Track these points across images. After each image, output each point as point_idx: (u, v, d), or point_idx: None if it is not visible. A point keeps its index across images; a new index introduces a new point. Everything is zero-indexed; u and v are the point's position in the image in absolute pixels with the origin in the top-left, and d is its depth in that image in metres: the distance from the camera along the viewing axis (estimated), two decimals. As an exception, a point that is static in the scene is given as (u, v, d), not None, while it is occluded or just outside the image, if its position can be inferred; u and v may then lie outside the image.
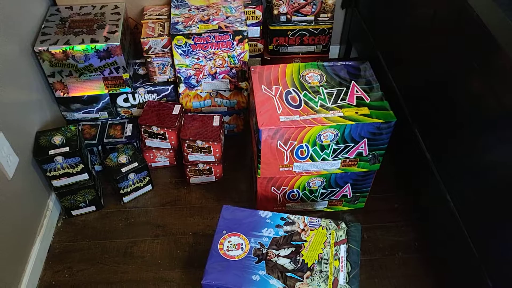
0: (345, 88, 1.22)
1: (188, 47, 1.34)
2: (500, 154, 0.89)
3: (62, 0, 1.42)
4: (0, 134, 1.05)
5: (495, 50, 0.87)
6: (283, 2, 1.57)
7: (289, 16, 1.61)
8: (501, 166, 0.89)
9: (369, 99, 1.19)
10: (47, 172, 1.22)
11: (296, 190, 1.31)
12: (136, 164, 1.34)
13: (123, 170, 1.33)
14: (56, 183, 1.26)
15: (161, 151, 1.46)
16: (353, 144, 1.18)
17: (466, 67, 0.99)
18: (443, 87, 1.11)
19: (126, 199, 1.40)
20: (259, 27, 1.60)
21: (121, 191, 1.37)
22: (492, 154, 0.92)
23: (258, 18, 1.57)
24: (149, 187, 1.44)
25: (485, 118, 0.93)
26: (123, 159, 1.35)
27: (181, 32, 1.32)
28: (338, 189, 1.32)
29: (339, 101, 1.19)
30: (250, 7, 1.53)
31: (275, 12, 1.60)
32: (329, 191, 1.32)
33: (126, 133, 1.44)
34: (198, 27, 1.34)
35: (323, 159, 1.21)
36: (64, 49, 1.26)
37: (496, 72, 0.89)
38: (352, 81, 1.25)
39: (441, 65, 1.11)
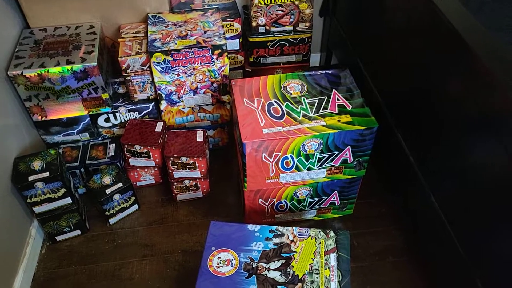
0: (326, 97, 1.23)
1: (167, 64, 1.33)
2: (480, 154, 0.90)
3: (35, 23, 1.40)
4: (-24, 164, 1.02)
5: (467, 53, 0.89)
6: (261, 14, 1.58)
7: (268, 27, 1.62)
8: (481, 166, 0.91)
9: (351, 106, 1.20)
10: (27, 199, 1.19)
11: (284, 201, 1.30)
12: (120, 184, 1.32)
13: (108, 191, 1.30)
14: (37, 209, 1.23)
15: (146, 170, 1.44)
16: (337, 152, 1.18)
17: (442, 71, 1.01)
18: (422, 91, 1.12)
19: (112, 220, 1.37)
20: (238, 39, 1.60)
21: (107, 213, 1.34)
22: (473, 155, 0.93)
23: (237, 31, 1.58)
24: (135, 207, 1.41)
25: (464, 119, 0.95)
26: (107, 180, 1.33)
27: (159, 49, 1.31)
28: (326, 197, 1.32)
29: (321, 110, 1.19)
30: (228, 20, 1.54)
31: (254, 24, 1.60)
32: (316, 199, 1.32)
33: (109, 153, 1.42)
34: (176, 43, 1.33)
35: (309, 169, 1.21)
36: (39, 72, 1.24)
37: (470, 75, 0.91)
38: (333, 89, 1.25)
39: (418, 69, 1.13)
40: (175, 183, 1.40)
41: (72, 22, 1.41)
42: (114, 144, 1.45)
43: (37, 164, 1.19)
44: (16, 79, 1.23)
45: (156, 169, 1.44)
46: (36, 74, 1.24)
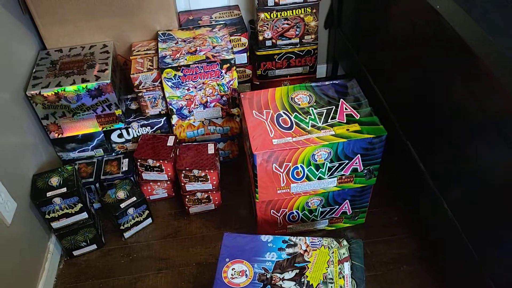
0: (334, 107, 1.25)
1: (177, 79, 1.37)
2: (489, 159, 0.91)
3: (51, 44, 1.45)
4: (-3, 181, 1.05)
5: (471, 59, 0.90)
6: (268, 28, 1.61)
7: (274, 41, 1.65)
8: (491, 170, 0.91)
9: (359, 116, 1.22)
10: (45, 214, 1.22)
11: (296, 211, 1.31)
12: (134, 198, 1.35)
13: (122, 205, 1.33)
14: (55, 224, 1.26)
15: (159, 183, 1.47)
16: (347, 161, 1.19)
17: (447, 77, 1.02)
18: (428, 98, 1.14)
19: (127, 234, 1.40)
20: (245, 53, 1.64)
21: (122, 227, 1.36)
22: (482, 159, 0.94)
23: (244, 45, 1.61)
24: (149, 220, 1.43)
25: (471, 124, 0.96)
26: (121, 194, 1.36)
27: (170, 65, 1.35)
28: (337, 206, 1.33)
29: (329, 120, 1.21)
30: (236, 35, 1.57)
31: (260, 37, 1.64)
32: (328, 209, 1.33)
33: (122, 168, 1.45)
34: (186, 59, 1.37)
35: (319, 178, 1.22)
36: (56, 91, 1.28)
37: (474, 80, 0.92)
38: (341, 99, 1.27)
39: (424, 76, 1.14)
40: (188, 196, 1.42)
41: (86, 42, 1.46)
42: (127, 159, 1.48)
43: (54, 180, 1.23)
44: (34, 98, 1.28)
45: (168, 182, 1.47)
46: (53, 93, 1.28)
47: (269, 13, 1.57)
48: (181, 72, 1.35)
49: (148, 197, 1.48)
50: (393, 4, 1.27)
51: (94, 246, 1.36)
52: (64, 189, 1.20)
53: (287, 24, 1.61)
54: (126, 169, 1.45)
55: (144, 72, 1.38)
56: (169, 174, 1.43)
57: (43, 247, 1.29)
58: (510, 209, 0.86)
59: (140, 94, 1.41)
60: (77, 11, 1.39)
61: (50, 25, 1.40)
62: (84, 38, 1.46)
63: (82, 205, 1.25)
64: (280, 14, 1.58)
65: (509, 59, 0.87)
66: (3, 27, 1.23)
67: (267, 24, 1.60)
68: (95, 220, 1.35)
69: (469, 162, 0.99)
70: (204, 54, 1.39)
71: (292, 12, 1.58)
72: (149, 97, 1.42)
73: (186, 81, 1.38)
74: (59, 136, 1.39)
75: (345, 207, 1.33)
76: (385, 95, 1.40)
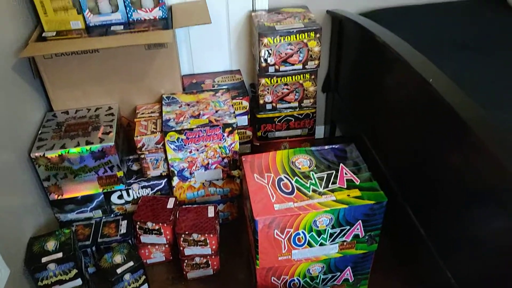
0: (334, 171, 1.27)
1: (180, 142, 1.40)
2: (488, 225, 0.91)
3: (58, 106, 1.49)
4: (-7, 247, 1.03)
5: (465, 130, 0.94)
6: (268, 92, 1.68)
7: (274, 104, 1.71)
8: (490, 237, 0.91)
9: (359, 181, 1.23)
10: (38, 281, 1.18)
11: (297, 279, 1.28)
12: (131, 263, 1.31)
13: (119, 271, 1.29)
14: (47, 291, 1.21)
15: (157, 247, 1.44)
16: (348, 227, 1.19)
17: (444, 146, 1.05)
18: (426, 164, 1.16)
19: (121, 301, 1.34)
20: (246, 116, 1.69)
21: (116, 293, 1.32)
22: (481, 226, 0.94)
23: (246, 108, 1.66)
24: (145, 286, 1.38)
25: (469, 191, 0.97)
26: (118, 259, 1.32)
27: (173, 129, 1.38)
28: (339, 273, 1.30)
29: (330, 185, 1.22)
30: (238, 99, 1.63)
31: (261, 101, 1.70)
32: (330, 276, 1.30)
33: (120, 230, 1.43)
34: (189, 123, 1.40)
35: (321, 244, 1.20)
36: (60, 153, 1.30)
37: (470, 151, 0.95)
38: (340, 164, 1.29)
39: (421, 143, 1.17)
40: (186, 261, 1.39)
41: (92, 105, 1.51)
42: (126, 221, 1.46)
43: (51, 245, 1.20)
44: (38, 160, 1.29)
45: (166, 246, 1.44)
46: (57, 155, 1.30)
47: (269, 78, 1.64)
48: (184, 135, 1.38)
49: (145, 260, 1.45)
50: (388, 74, 1.34)
51: (86, 314, 1.30)
52: (60, 254, 1.17)
53: (287, 89, 1.68)
54: (125, 231, 1.43)
55: (148, 134, 1.41)
56: (168, 237, 1.40)
57: (33, 315, 1.23)
58: (517, 283, 0.85)
59: (142, 156, 1.43)
60: (87, 77, 1.45)
61: (59, 89, 1.45)
62: (91, 101, 1.51)
63: (77, 271, 1.21)
64: (280, 80, 1.65)
65: (503, 132, 0.91)
66: (14, 90, 1.27)
67: (268, 89, 1.67)
68: (89, 286, 1.30)
69: (469, 229, 0.99)
70: (207, 118, 1.43)
71: (292, 78, 1.65)
72: (151, 159, 1.44)
73: (188, 144, 1.40)
74: (59, 198, 1.38)
75: (347, 274, 1.30)
76: (383, 159, 1.42)
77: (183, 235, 1.34)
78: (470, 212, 0.97)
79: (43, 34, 1.40)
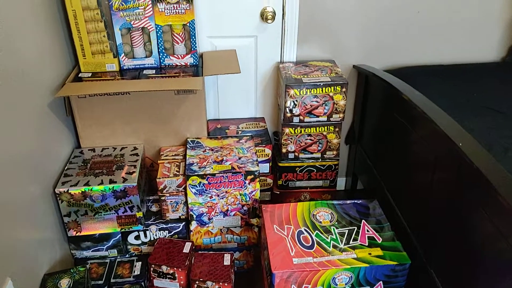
0: (356, 228, 1.24)
1: (202, 187, 1.40)
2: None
3: (86, 143, 1.54)
4: (9, 282, 1.03)
5: (494, 195, 0.90)
6: (291, 142, 1.69)
7: (296, 154, 1.71)
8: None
9: (381, 239, 1.20)
10: (48, 321, 1.16)
11: None
12: (142, 308, 1.28)
13: (128, 315, 1.26)
14: (56, 332, 1.18)
15: (169, 292, 1.40)
16: (369, 287, 1.14)
17: (472, 209, 1.02)
18: (453, 227, 1.11)
19: None
20: (268, 163, 1.69)
21: None
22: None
23: (268, 156, 1.67)
24: (154, 333, 1.34)
25: (498, 257, 0.92)
26: (129, 302, 1.30)
27: (196, 173, 1.39)
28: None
29: (351, 241, 1.19)
30: (260, 146, 1.64)
31: (284, 150, 1.70)
32: None
33: (134, 272, 1.41)
34: (212, 168, 1.41)
35: (340, 304, 1.15)
36: (83, 190, 1.32)
37: (500, 218, 0.91)
38: (362, 220, 1.27)
39: (445, 203, 1.13)
40: (198, 309, 1.34)
41: (119, 143, 1.54)
42: (140, 262, 1.44)
43: (64, 283, 1.19)
44: (61, 195, 1.31)
45: (179, 291, 1.40)
46: (80, 191, 1.32)
47: (293, 128, 1.65)
48: (206, 180, 1.39)
49: (156, 306, 1.41)
50: (414, 133, 1.33)
51: None
52: (72, 294, 1.16)
53: (310, 139, 1.69)
54: (138, 273, 1.40)
55: (170, 177, 1.42)
56: (182, 282, 1.37)
57: None
58: None
59: (163, 198, 1.44)
60: (116, 117, 1.50)
61: (88, 127, 1.50)
62: (118, 140, 1.55)
63: (87, 313, 1.19)
64: (304, 130, 1.66)
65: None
66: (46, 126, 1.32)
67: (291, 138, 1.68)
68: (98, 329, 1.27)
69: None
70: (230, 164, 1.44)
71: (316, 129, 1.66)
72: (171, 201, 1.44)
73: (210, 189, 1.41)
74: (77, 234, 1.38)
75: None
76: (406, 217, 1.38)
77: (197, 282, 1.31)
78: (502, 282, 0.92)
79: (79, 75, 1.47)
